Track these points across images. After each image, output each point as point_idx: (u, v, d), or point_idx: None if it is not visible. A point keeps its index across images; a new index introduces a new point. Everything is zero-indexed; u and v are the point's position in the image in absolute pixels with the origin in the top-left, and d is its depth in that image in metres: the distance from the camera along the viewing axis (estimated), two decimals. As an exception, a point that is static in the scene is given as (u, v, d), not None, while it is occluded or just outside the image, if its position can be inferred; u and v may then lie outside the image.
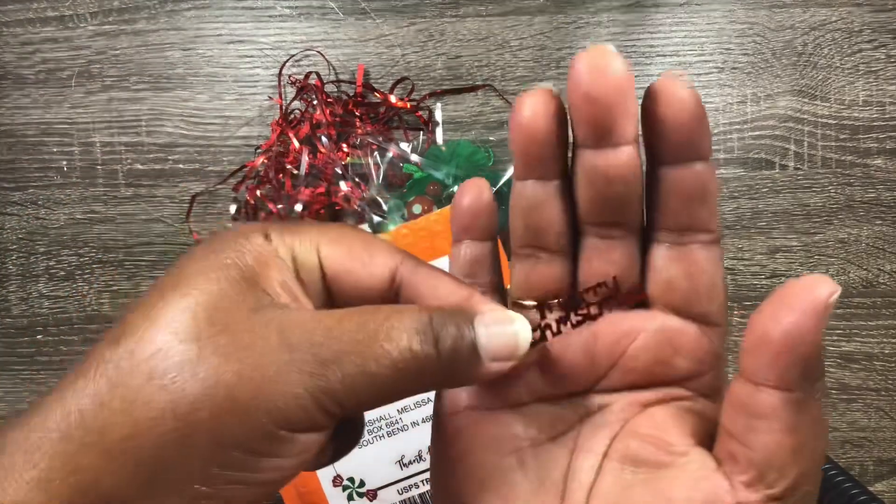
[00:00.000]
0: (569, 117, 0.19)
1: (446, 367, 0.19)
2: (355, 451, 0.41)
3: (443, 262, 0.41)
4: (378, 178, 0.44)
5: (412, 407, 0.41)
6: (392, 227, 0.43)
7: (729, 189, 0.47)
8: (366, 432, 0.41)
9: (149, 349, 0.17)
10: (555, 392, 0.22)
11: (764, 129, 0.47)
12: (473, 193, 0.22)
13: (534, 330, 0.20)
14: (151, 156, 0.47)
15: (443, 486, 0.23)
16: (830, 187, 0.47)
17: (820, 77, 0.47)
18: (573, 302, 0.21)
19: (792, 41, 0.47)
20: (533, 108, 0.19)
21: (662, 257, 0.21)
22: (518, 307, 0.22)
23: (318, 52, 0.46)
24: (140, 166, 0.47)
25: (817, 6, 0.47)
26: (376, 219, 0.45)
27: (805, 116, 0.47)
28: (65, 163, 0.47)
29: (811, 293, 0.16)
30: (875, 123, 0.47)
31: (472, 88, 0.46)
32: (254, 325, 0.18)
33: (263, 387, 0.17)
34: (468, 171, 0.43)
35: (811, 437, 0.17)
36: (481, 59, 0.47)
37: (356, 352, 0.18)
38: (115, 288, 0.47)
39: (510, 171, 0.46)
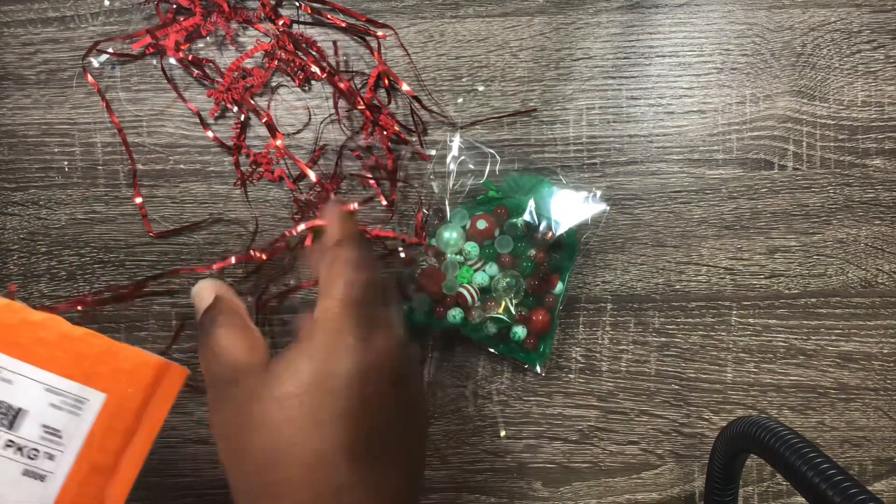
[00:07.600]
0: None
1: None
2: None
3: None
4: (451, 182, 0.45)
5: None
6: (447, 234, 0.44)
7: (728, 189, 0.47)
8: None
9: None
10: None
11: (763, 129, 0.47)
12: None
13: None
14: (152, 156, 0.47)
15: None
16: (829, 187, 0.48)
17: (819, 78, 0.47)
18: None
19: (791, 42, 0.47)
20: None
21: None
22: None
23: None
24: (141, 166, 0.47)
25: (816, 7, 0.47)
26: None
27: (804, 117, 0.47)
28: (66, 163, 0.47)
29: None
30: (874, 124, 0.48)
31: (514, 114, 0.47)
32: None
33: None
34: (537, 202, 0.44)
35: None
36: (481, 59, 0.47)
37: None
38: (116, 288, 0.47)
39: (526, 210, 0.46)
